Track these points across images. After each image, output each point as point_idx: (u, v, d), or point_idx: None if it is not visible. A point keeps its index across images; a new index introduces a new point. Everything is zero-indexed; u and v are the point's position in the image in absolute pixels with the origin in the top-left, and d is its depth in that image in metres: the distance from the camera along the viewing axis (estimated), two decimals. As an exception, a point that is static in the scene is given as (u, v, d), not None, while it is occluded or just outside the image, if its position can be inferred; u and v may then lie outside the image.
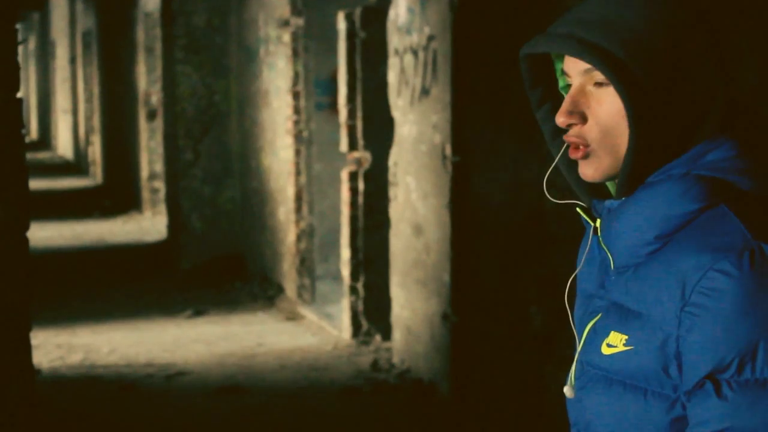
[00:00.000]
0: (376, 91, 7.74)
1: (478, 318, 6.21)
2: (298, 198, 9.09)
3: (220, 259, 10.77)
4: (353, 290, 7.92)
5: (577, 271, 1.73)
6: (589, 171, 1.62)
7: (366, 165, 7.88)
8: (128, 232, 13.93)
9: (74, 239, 13.32)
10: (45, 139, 30.19)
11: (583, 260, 1.71)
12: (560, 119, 1.61)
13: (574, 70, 1.61)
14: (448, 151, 6.21)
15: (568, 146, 1.65)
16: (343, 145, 7.95)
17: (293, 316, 8.79)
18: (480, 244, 6.21)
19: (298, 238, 9.10)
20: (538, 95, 1.72)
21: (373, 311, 7.87)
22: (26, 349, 3.85)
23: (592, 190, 1.70)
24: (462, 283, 6.21)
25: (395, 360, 7.21)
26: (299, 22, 9.00)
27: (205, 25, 10.81)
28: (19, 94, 3.77)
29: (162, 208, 14.15)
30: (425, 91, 6.57)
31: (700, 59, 1.55)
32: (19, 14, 28.59)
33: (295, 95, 9.03)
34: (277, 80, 9.40)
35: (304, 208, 9.09)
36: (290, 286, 9.26)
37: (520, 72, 1.70)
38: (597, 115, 1.59)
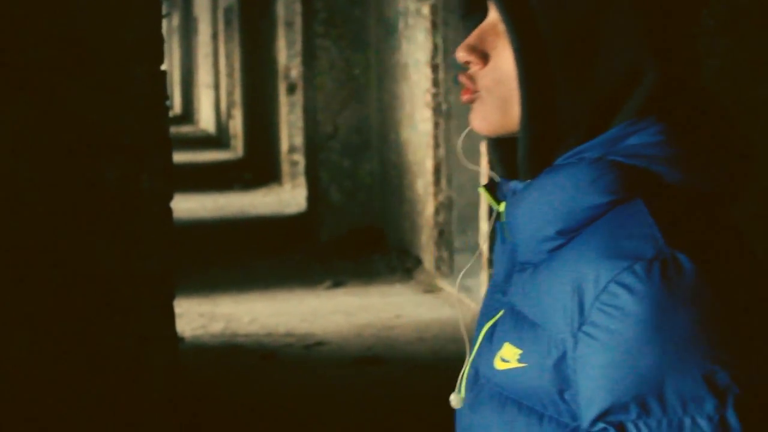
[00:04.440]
0: (515, 63, 7.66)
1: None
2: (437, 171, 9.08)
3: (358, 231, 10.84)
4: (492, 263, 7.88)
5: (468, 265, 1.50)
6: (475, 121, 1.34)
7: (505, 137, 7.82)
8: (268, 204, 14.12)
9: (216, 211, 13.56)
10: (188, 114, 30.77)
11: (478, 253, 1.49)
12: (459, 53, 1.33)
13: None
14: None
15: None
16: (482, 117, 7.90)
17: (431, 289, 8.80)
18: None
19: (437, 211, 9.09)
20: (471, 27, 1.39)
21: (511, 284, 7.82)
22: (170, 317, 3.92)
23: (507, 164, 1.39)
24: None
25: (533, 334, 7.16)
26: (438, -6, 8.97)
27: (344, -2, 10.86)
28: (163, 67, 3.83)
29: (301, 180, 14.31)
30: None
31: (627, 23, 1.26)
32: (163, -10, 29.19)
33: (434, 68, 9.01)
34: (416, 53, 9.39)
35: (443, 181, 9.08)
36: (428, 258, 9.27)
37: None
38: (499, 60, 1.31)
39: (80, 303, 3.66)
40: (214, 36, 23.24)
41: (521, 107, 1.27)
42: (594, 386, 1.20)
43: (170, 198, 3.89)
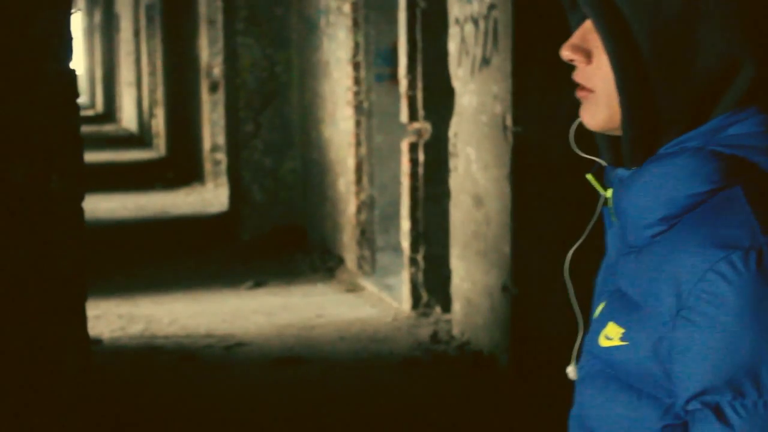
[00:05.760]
0: (436, 62, 7.67)
1: (538, 290, 6.14)
2: (359, 169, 9.05)
3: (280, 231, 10.78)
4: (413, 262, 7.88)
5: (577, 243, 1.59)
6: (585, 117, 1.44)
7: (426, 136, 7.82)
8: (190, 203, 14.00)
9: (138, 211, 13.41)
10: (110, 112, 30.44)
11: (586, 233, 1.57)
12: (564, 52, 1.42)
13: None
14: (509, 121, 6.13)
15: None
16: (404, 116, 7.90)
17: (353, 288, 8.77)
18: (540, 215, 6.14)
19: (359, 210, 9.07)
20: (577, 20, 1.48)
21: (432, 283, 7.83)
22: (82, 319, 3.85)
23: (615, 151, 1.47)
24: (522, 255, 6.14)
25: (455, 332, 7.16)
26: (359, -8, 8.94)
27: (265, -4, 10.79)
28: (77, 67, 3.75)
29: (224, 179, 14.21)
30: (486, 61, 6.50)
31: (723, 18, 1.33)
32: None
33: (356, 66, 8.99)
34: (337, 51, 9.36)
35: (365, 180, 9.06)
36: (350, 257, 9.24)
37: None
38: (602, 59, 1.39)
39: (-13, 306, 3.58)
40: (136, 33, 23.00)
41: (621, 105, 1.36)
42: (691, 368, 1.28)
43: (81, 198, 3.81)
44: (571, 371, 1.52)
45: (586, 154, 1.56)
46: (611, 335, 1.39)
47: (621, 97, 1.36)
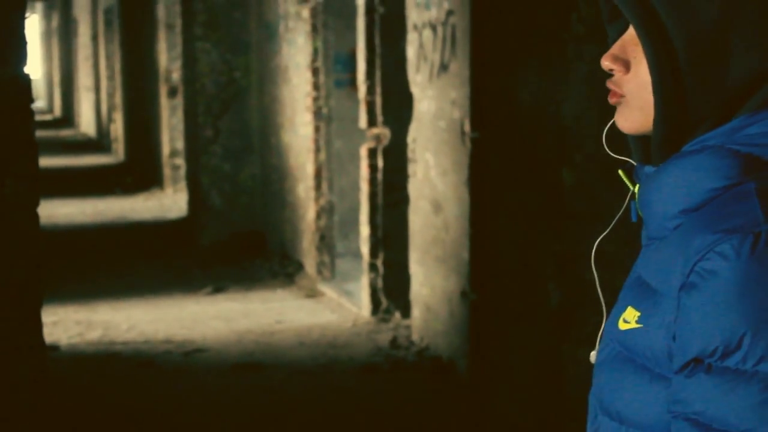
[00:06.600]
0: (395, 67, 7.67)
1: (497, 295, 6.15)
2: (318, 175, 9.04)
3: (240, 236, 10.75)
4: (373, 267, 7.87)
5: (603, 234, 1.69)
6: (619, 121, 1.53)
7: (385, 141, 7.82)
8: (149, 209, 13.93)
9: (96, 216, 13.34)
10: (69, 117, 30.25)
11: (612, 223, 1.68)
12: (604, 62, 1.52)
13: None
14: (467, 127, 6.15)
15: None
16: (363, 121, 7.90)
17: (313, 294, 8.76)
18: (499, 221, 6.15)
19: (318, 215, 9.06)
20: (615, 32, 1.58)
21: (392, 288, 7.83)
22: (37, 326, 3.82)
23: (644, 150, 1.57)
24: (481, 261, 6.15)
25: (414, 337, 7.17)
26: (318, -3, 8.94)
27: (224, 1, 10.76)
28: (33, 71, 3.72)
29: (183, 185, 14.15)
30: (444, 67, 6.51)
31: (754, 29, 1.43)
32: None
33: (315, 71, 8.98)
34: (296, 56, 9.35)
35: (324, 185, 9.05)
36: (310, 263, 9.22)
37: (538, 47, 1.59)
38: (639, 68, 1.49)
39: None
40: (95, 38, 22.88)
41: (655, 105, 1.46)
42: (686, 338, 1.38)
43: (36, 203, 3.78)
44: (592, 355, 1.61)
45: (617, 154, 1.65)
46: (628, 318, 1.48)
47: (656, 98, 1.45)
